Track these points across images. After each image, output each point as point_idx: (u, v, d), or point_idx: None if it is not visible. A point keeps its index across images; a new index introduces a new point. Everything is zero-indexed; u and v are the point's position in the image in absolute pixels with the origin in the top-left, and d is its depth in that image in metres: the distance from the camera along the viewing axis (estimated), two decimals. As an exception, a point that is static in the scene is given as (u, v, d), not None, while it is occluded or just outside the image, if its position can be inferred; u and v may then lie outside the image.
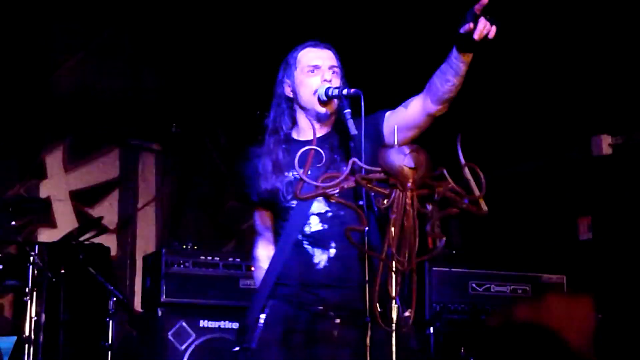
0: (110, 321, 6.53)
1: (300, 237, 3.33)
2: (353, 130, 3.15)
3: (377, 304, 2.74)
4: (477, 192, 2.72)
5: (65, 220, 8.36)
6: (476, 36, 2.96)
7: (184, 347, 6.12)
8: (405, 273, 2.69)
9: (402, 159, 2.69)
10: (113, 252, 8.31)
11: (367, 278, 2.97)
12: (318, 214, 3.34)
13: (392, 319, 2.71)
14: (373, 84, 3.55)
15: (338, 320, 3.28)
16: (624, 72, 5.52)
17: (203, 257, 6.50)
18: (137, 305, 7.53)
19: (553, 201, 6.04)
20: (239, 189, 3.56)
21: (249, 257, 3.68)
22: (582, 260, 5.69)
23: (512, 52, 6.04)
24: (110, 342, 6.40)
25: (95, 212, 8.60)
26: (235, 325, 6.01)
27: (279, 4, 5.75)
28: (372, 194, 2.84)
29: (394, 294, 2.70)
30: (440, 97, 3.19)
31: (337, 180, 2.68)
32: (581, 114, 5.76)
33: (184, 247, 6.59)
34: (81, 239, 6.96)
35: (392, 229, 2.65)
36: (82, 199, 8.58)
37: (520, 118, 6.31)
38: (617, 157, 5.46)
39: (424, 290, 5.17)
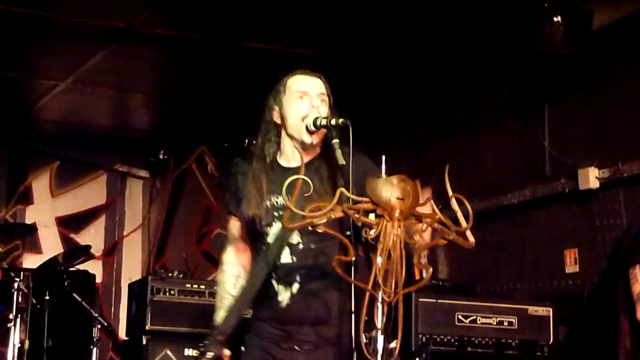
0: (95, 348, 6.50)
1: (269, 268, 3.34)
2: (341, 161, 3.15)
3: (362, 335, 2.73)
4: (464, 224, 2.73)
5: (51, 246, 8.34)
6: None
7: (168, 375, 6.10)
8: (391, 304, 2.69)
9: (389, 190, 2.69)
10: (98, 279, 8.29)
11: (353, 309, 2.96)
12: (289, 245, 3.35)
13: (377, 350, 2.71)
14: (362, 112, 3.55)
15: (302, 351, 3.32)
16: (611, 106, 5.56)
17: (189, 285, 6.48)
18: (122, 332, 7.50)
19: (540, 233, 6.05)
20: (222, 197, 3.60)
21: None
22: (568, 292, 5.69)
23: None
24: (94, 369, 6.37)
25: (81, 238, 8.59)
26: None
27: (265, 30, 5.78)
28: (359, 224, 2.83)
29: (379, 325, 2.70)
30: None
31: (324, 210, 2.68)
32: (569, 146, 5.78)
33: (170, 274, 6.58)
34: (66, 265, 6.94)
35: (379, 259, 2.65)
36: (68, 225, 8.56)
37: (506, 149, 6.33)
38: (604, 190, 5.49)
39: (410, 321, 5.16)
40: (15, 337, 6.25)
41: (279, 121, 3.47)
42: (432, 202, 2.81)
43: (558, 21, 5.15)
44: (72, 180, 8.71)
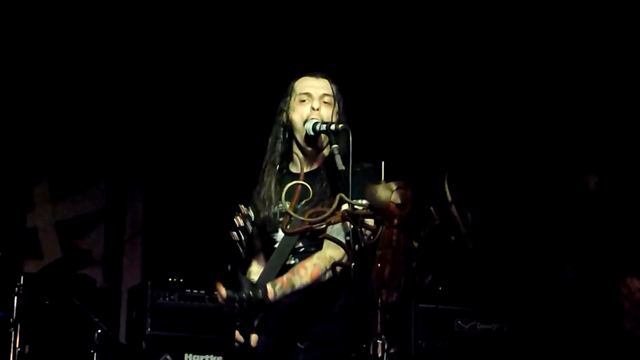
0: (95, 353, 6.50)
1: (279, 270, 3.34)
2: (340, 166, 3.14)
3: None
4: (463, 230, 2.73)
5: (51, 251, 8.33)
6: None
7: (168, 380, 6.10)
8: (390, 309, 2.69)
9: (389, 196, 2.69)
10: (99, 284, 8.28)
11: (352, 313, 2.97)
12: (293, 248, 3.36)
13: (377, 356, 2.71)
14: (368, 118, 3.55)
15: (302, 346, 3.34)
16: (613, 116, 5.57)
17: (189, 290, 6.47)
18: (122, 337, 7.49)
19: (540, 239, 6.06)
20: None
21: None
22: (568, 298, 5.69)
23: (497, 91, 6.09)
24: (94, 374, 6.37)
25: (82, 243, 8.58)
26: (220, 359, 6.00)
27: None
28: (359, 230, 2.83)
29: (379, 330, 2.70)
30: None
31: (324, 216, 2.68)
32: (569, 154, 5.79)
33: (170, 279, 6.57)
34: (66, 270, 6.94)
35: (378, 265, 2.65)
36: (69, 230, 8.55)
37: (508, 158, 6.34)
38: (604, 197, 5.49)
39: (409, 326, 5.16)
40: (17, 342, 6.25)
41: (287, 123, 3.46)
42: (431, 208, 2.82)
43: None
44: (73, 185, 8.70)
